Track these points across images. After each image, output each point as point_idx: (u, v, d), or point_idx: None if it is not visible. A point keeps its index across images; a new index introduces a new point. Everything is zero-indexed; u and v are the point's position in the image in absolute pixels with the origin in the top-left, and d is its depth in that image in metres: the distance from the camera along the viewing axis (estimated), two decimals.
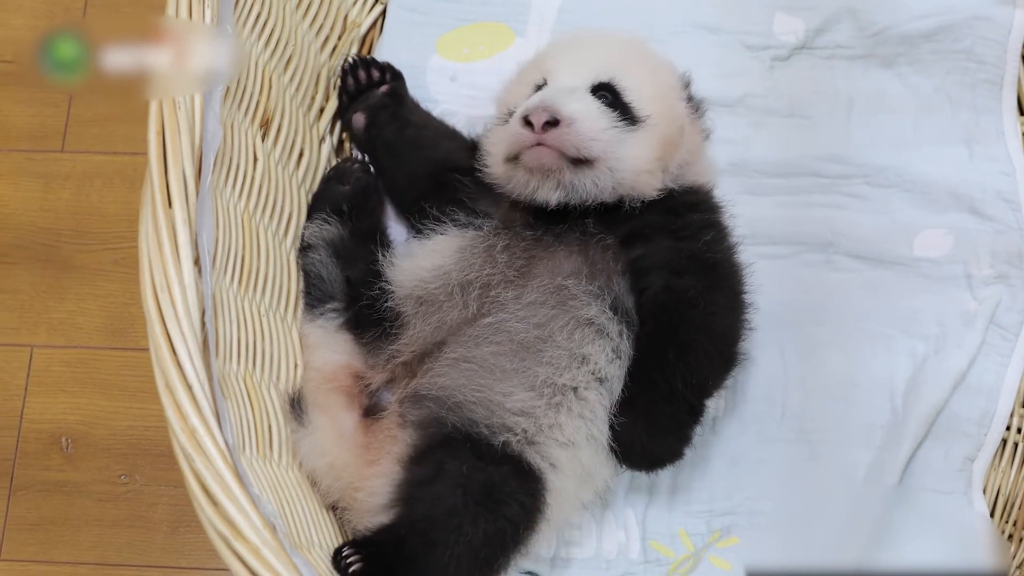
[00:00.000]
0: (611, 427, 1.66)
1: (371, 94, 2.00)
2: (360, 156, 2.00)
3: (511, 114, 1.72)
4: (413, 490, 1.59)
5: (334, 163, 2.04)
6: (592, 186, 1.67)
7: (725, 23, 2.12)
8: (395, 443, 1.66)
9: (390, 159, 1.97)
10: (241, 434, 1.53)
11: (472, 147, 1.86)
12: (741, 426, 1.90)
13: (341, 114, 2.05)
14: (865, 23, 2.08)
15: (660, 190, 1.72)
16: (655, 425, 1.66)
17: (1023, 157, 2.01)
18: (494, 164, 1.75)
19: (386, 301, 1.77)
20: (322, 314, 1.83)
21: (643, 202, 1.71)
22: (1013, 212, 1.95)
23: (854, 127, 2.05)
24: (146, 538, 2.05)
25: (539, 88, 1.75)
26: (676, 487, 1.88)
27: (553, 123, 1.64)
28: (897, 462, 1.81)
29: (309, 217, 1.90)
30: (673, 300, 1.67)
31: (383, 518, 1.59)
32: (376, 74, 2.01)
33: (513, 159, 1.69)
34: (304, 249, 1.88)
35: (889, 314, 1.93)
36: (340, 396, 1.77)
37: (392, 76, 2.02)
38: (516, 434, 1.62)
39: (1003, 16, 2.05)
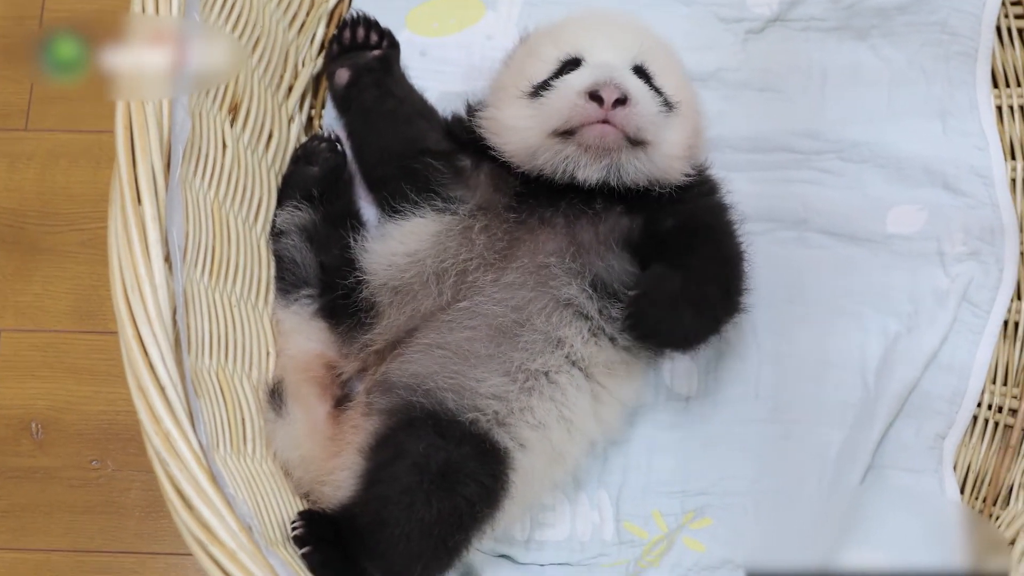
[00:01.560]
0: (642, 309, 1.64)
1: (361, 54, 1.98)
2: (329, 134, 1.97)
3: (538, 89, 1.71)
4: (372, 474, 1.59)
5: (304, 141, 2.01)
6: (636, 170, 1.68)
7: None
8: (358, 433, 1.65)
9: (363, 125, 1.95)
10: (215, 432, 1.52)
11: (447, 129, 1.85)
12: (714, 407, 1.90)
13: (327, 63, 2.04)
14: None
15: (685, 175, 1.73)
16: (695, 289, 1.65)
17: (996, 131, 1.99)
18: (523, 138, 1.71)
19: (360, 292, 1.76)
20: (296, 300, 1.82)
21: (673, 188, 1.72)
22: (986, 187, 1.95)
23: (828, 101, 2.04)
24: (119, 524, 2.04)
25: (566, 65, 1.73)
26: (650, 468, 1.88)
27: (622, 101, 1.63)
28: (869, 442, 1.82)
29: (280, 203, 1.89)
30: (703, 223, 1.71)
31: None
32: (374, 37, 2.00)
33: (564, 134, 1.67)
34: (276, 235, 1.86)
35: (862, 291, 1.93)
36: (313, 387, 1.76)
37: (389, 44, 2.01)
38: (486, 415, 1.62)
39: None
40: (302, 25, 2.05)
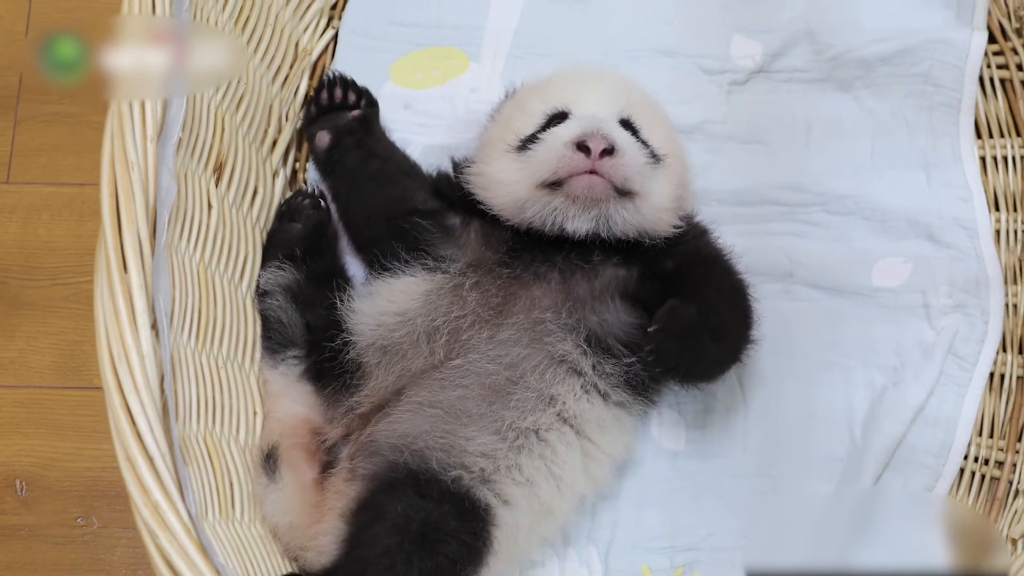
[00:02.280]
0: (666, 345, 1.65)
1: (341, 115, 1.97)
2: (312, 189, 1.97)
3: (525, 142, 1.73)
4: (352, 537, 1.57)
5: (288, 194, 2.01)
6: (624, 221, 1.69)
7: (682, 47, 2.11)
8: (340, 499, 1.64)
9: (348, 188, 1.94)
10: (203, 499, 1.51)
11: (434, 187, 1.86)
12: (701, 461, 1.90)
13: (306, 125, 2.02)
14: (822, 46, 2.07)
15: (674, 227, 1.75)
16: (715, 318, 1.68)
17: (980, 182, 2.01)
18: (511, 191, 1.72)
19: (347, 353, 1.75)
20: (283, 360, 1.82)
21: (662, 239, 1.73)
22: (970, 239, 1.96)
23: (812, 153, 2.04)
24: None
25: (553, 118, 1.75)
26: (639, 523, 1.87)
27: (609, 151, 1.65)
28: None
29: (264, 262, 1.88)
30: (704, 257, 1.75)
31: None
32: (352, 97, 1.98)
33: (552, 185, 1.68)
34: (261, 295, 1.85)
35: (848, 345, 1.92)
36: (301, 452, 1.75)
37: (367, 103, 1.99)
38: (472, 472, 1.61)
39: (961, 39, 2.04)
40: (285, 79, 2.05)
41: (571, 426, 1.69)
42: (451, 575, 1.56)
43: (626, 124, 1.74)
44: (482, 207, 1.76)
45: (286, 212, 1.94)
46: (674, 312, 1.65)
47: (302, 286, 1.85)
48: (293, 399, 1.79)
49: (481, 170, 1.79)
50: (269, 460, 1.73)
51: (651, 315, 1.67)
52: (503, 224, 1.75)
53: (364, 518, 1.58)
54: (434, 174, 1.90)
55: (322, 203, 1.94)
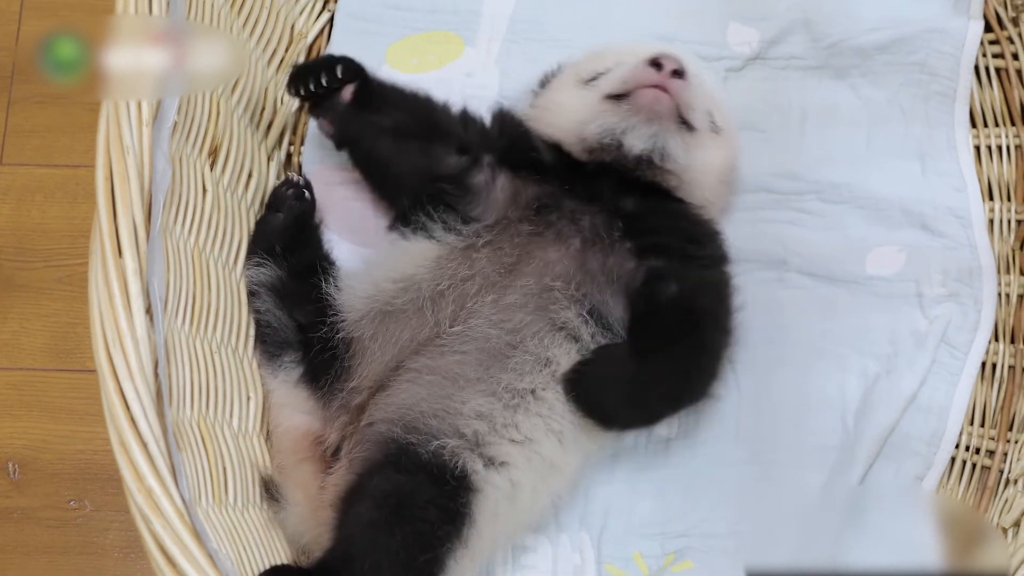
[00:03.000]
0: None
1: (335, 101, 1.86)
2: (297, 179, 1.93)
3: (596, 77, 1.79)
4: (338, 520, 1.59)
5: (283, 178, 2.00)
6: (677, 154, 1.72)
7: (679, 33, 2.10)
8: (333, 491, 1.65)
9: (365, 165, 1.92)
10: (197, 484, 1.51)
11: (460, 140, 1.84)
12: (694, 448, 1.89)
13: (309, 110, 1.99)
14: (819, 34, 2.07)
15: (703, 203, 1.80)
16: (642, 383, 1.67)
17: (974, 172, 2.01)
18: (577, 109, 1.77)
19: (337, 334, 1.75)
20: (281, 367, 1.80)
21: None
22: (964, 229, 1.96)
23: (807, 141, 2.04)
24: (98, 564, 2.02)
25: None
26: (631, 510, 1.87)
27: (680, 73, 1.69)
28: (849, 484, 1.81)
29: (247, 256, 1.85)
30: (698, 308, 1.70)
31: None
32: (327, 79, 1.83)
33: (618, 97, 1.72)
34: (249, 295, 1.83)
35: (842, 333, 1.92)
36: (308, 465, 1.74)
37: (351, 75, 1.85)
38: (464, 436, 1.61)
39: (957, 28, 2.04)
40: (281, 61, 2.05)
41: None
42: (433, 539, 1.56)
43: None
44: (519, 152, 1.79)
45: (271, 202, 1.92)
46: (610, 360, 1.67)
47: (286, 283, 1.82)
48: (294, 407, 1.78)
49: (548, 99, 1.84)
50: (268, 489, 1.72)
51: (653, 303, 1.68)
52: (533, 179, 1.77)
53: (348, 501, 1.59)
54: (463, 122, 1.87)
55: (306, 193, 1.92)
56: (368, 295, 1.75)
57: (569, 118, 1.78)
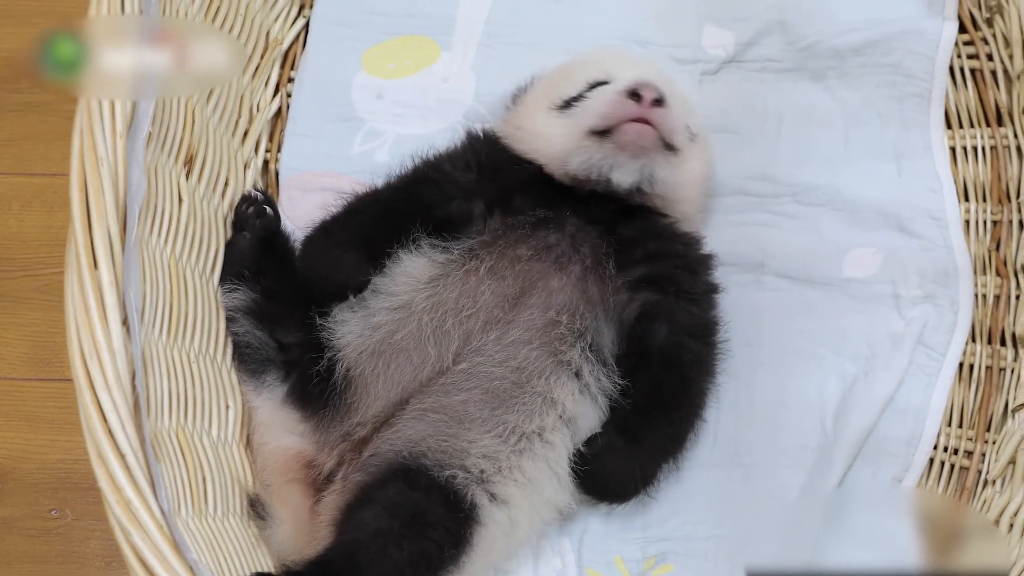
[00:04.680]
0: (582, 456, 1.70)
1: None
2: (255, 195, 1.89)
3: (569, 102, 1.77)
4: (343, 523, 1.60)
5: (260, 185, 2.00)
6: (665, 178, 1.73)
7: (655, 36, 2.11)
8: (334, 510, 1.65)
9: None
10: (176, 496, 1.51)
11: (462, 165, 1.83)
12: None
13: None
14: (795, 36, 2.07)
15: (685, 217, 1.82)
16: (642, 466, 1.74)
17: (950, 173, 2.01)
18: (557, 141, 1.76)
19: (334, 372, 1.73)
20: (265, 385, 1.78)
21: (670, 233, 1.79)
22: (940, 230, 1.96)
23: (783, 143, 2.05)
24: (80, 573, 2.00)
25: (596, 85, 1.78)
26: (611, 514, 1.87)
27: (660, 102, 1.68)
28: (828, 485, 1.82)
29: (221, 280, 1.81)
30: (690, 360, 1.74)
31: None
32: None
33: (601, 134, 1.71)
34: (227, 320, 1.80)
35: (819, 335, 1.93)
36: (296, 486, 1.73)
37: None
38: (470, 473, 1.62)
39: (932, 29, 2.04)
40: (256, 68, 2.05)
41: (568, 426, 1.70)
42: (438, 560, 1.58)
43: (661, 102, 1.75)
44: (508, 192, 1.79)
45: (235, 221, 1.88)
46: (610, 454, 1.71)
47: (261, 305, 1.79)
48: (282, 428, 1.77)
49: (524, 120, 1.83)
50: (255, 506, 1.71)
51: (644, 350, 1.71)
52: (533, 199, 1.77)
53: (355, 507, 1.60)
54: (441, 179, 1.82)
55: (267, 209, 1.87)
56: (364, 331, 1.73)
57: (550, 147, 1.77)
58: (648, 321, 1.71)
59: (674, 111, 1.72)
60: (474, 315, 1.69)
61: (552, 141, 1.77)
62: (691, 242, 1.82)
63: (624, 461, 1.70)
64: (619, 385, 1.72)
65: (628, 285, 1.73)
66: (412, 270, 1.75)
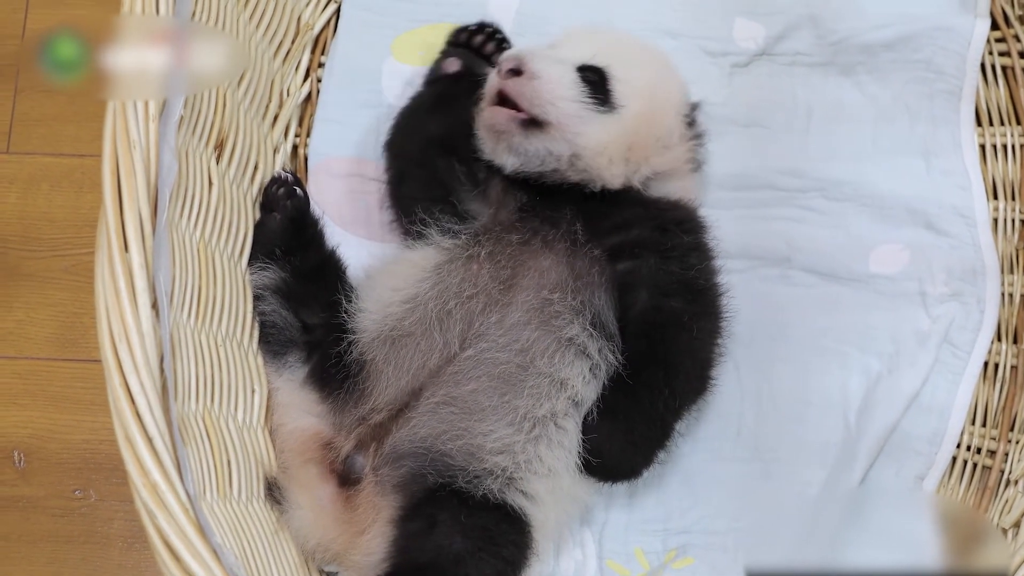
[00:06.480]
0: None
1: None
2: (285, 176, 1.90)
3: None
4: (409, 542, 1.59)
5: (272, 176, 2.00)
6: (545, 152, 1.69)
7: (685, 28, 2.10)
8: (379, 511, 1.64)
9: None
10: (201, 479, 1.51)
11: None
12: (695, 444, 1.90)
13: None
14: (825, 31, 2.07)
15: (624, 184, 1.74)
16: (630, 441, 1.67)
17: (979, 170, 2.01)
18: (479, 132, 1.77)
19: (350, 354, 1.73)
20: (287, 366, 1.79)
21: (624, 200, 1.74)
22: (968, 228, 1.96)
23: (812, 138, 2.04)
24: (102, 554, 2.03)
25: None
26: (632, 506, 1.88)
27: (516, 72, 1.67)
28: (850, 482, 1.83)
29: (250, 260, 1.82)
30: (663, 321, 1.68)
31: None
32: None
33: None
34: (255, 299, 1.81)
35: (844, 330, 1.93)
36: (314, 468, 1.72)
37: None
38: (496, 475, 1.62)
39: (963, 26, 2.04)
40: (287, 53, 2.05)
41: (579, 410, 1.68)
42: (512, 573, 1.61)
43: (593, 69, 1.72)
44: None
45: (265, 202, 1.89)
46: (623, 416, 1.67)
47: (290, 284, 1.81)
48: (300, 409, 1.77)
49: None
50: (272, 491, 1.71)
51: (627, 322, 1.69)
52: (516, 185, 1.77)
53: (416, 526, 1.59)
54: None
55: (297, 190, 1.89)
56: (377, 317, 1.74)
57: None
58: (628, 289, 1.69)
59: (540, 81, 1.67)
60: (475, 296, 1.69)
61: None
62: (666, 205, 1.77)
63: (607, 436, 1.66)
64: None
65: (607, 257, 1.71)
66: (419, 257, 1.76)
